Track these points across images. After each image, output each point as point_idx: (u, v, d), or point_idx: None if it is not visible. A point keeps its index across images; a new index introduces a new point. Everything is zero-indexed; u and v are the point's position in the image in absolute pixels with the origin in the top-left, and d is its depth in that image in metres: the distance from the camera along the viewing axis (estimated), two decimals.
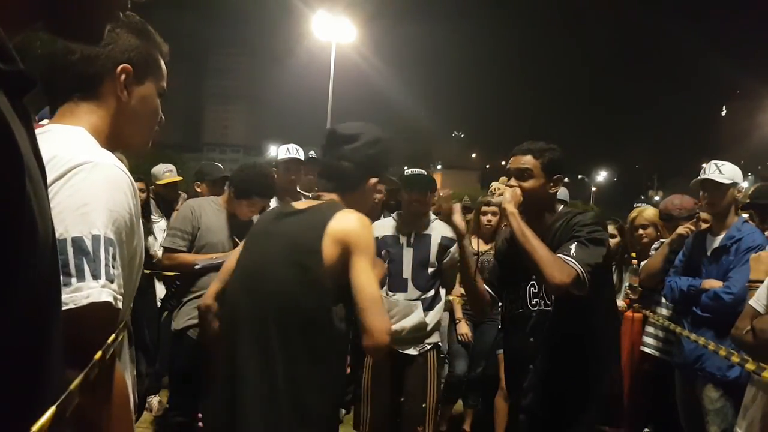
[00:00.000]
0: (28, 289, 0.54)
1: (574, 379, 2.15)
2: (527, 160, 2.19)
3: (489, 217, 4.00)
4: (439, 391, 3.12)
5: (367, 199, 1.87)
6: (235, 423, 1.64)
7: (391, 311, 3.01)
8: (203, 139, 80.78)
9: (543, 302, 2.22)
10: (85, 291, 0.91)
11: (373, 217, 4.45)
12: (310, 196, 3.56)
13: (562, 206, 2.32)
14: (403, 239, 3.10)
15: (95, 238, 0.95)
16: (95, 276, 0.93)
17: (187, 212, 3.14)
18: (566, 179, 2.77)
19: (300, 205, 1.83)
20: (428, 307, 3.04)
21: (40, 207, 0.57)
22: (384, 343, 1.60)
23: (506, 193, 2.14)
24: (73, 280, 0.91)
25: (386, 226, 3.20)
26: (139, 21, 1.20)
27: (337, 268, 1.63)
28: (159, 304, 4.17)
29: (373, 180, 1.81)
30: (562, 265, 1.95)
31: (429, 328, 3.02)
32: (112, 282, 0.95)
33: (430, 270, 3.04)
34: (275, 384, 1.62)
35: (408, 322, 2.99)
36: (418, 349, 3.01)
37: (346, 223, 1.65)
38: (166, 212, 4.61)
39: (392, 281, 3.04)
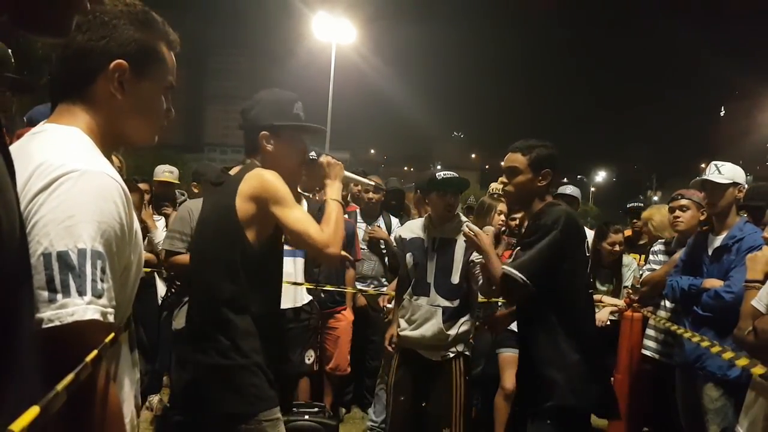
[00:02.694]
0: None
1: (529, 362, 2.39)
2: (516, 158, 2.42)
3: (503, 217, 4.00)
4: (468, 397, 3.01)
5: (276, 153, 1.95)
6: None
7: (414, 315, 2.99)
8: (204, 139, 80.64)
9: None
10: (71, 308, 0.88)
11: (372, 216, 4.47)
12: (310, 196, 3.57)
13: (550, 200, 2.44)
14: (428, 243, 3.04)
15: (81, 252, 0.91)
16: (81, 293, 0.89)
17: (185, 214, 3.13)
18: (563, 178, 2.84)
19: (232, 171, 2.01)
20: (450, 317, 2.93)
21: (6, 202, 0.56)
22: (330, 253, 1.83)
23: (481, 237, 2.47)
24: (59, 296, 0.88)
25: (416, 227, 3.14)
26: (140, 10, 1.11)
27: (255, 223, 1.81)
28: (160, 302, 4.18)
29: (263, 133, 1.94)
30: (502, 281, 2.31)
31: (450, 339, 2.94)
32: (100, 297, 0.92)
33: (454, 278, 2.95)
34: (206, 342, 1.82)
35: (427, 330, 2.94)
36: (441, 356, 2.96)
37: (252, 181, 1.82)
38: (158, 210, 4.61)
39: (416, 285, 3.01)
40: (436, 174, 3.10)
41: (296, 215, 1.82)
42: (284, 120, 1.96)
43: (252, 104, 2.00)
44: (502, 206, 4.00)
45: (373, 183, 2.60)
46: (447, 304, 2.94)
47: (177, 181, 4.86)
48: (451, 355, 2.96)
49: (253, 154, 1.98)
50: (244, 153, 2.03)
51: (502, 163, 2.50)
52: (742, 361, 2.11)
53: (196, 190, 4.44)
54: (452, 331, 2.93)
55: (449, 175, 3.06)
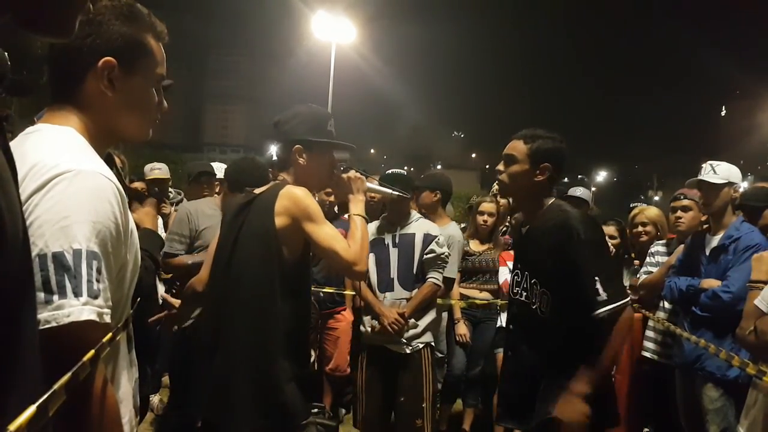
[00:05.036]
0: None
1: (546, 372, 2.11)
2: (516, 146, 2.20)
3: (485, 217, 4.02)
4: (435, 387, 3.12)
5: (306, 167, 1.99)
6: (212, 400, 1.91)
7: None
8: (203, 139, 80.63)
9: (524, 293, 2.22)
10: (67, 309, 0.88)
11: (374, 217, 4.47)
12: None
13: (554, 200, 2.23)
14: (388, 240, 3.12)
15: (76, 253, 0.91)
16: (76, 293, 0.89)
17: (183, 216, 3.13)
18: (563, 177, 2.65)
19: (258, 190, 2.01)
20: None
21: (9, 204, 0.56)
22: (357, 270, 1.90)
23: None
24: (55, 297, 0.88)
25: (374, 229, 3.20)
26: (125, 4, 1.10)
27: (289, 239, 1.85)
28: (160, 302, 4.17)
29: (297, 147, 1.98)
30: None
31: (420, 328, 3.02)
32: (96, 298, 0.92)
33: (415, 269, 3.06)
34: (233, 360, 1.83)
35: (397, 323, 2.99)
36: (410, 348, 3.01)
37: (284, 199, 1.86)
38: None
39: (380, 282, 3.07)
40: (386, 172, 3.25)
41: (326, 232, 1.87)
42: (319, 136, 2.00)
43: (288, 117, 2.02)
44: (485, 206, 4.03)
45: (396, 193, 2.53)
46: (410, 295, 3.03)
47: (168, 176, 4.84)
48: (421, 345, 3.02)
49: (284, 168, 2.01)
50: (276, 167, 2.08)
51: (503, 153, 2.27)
52: (751, 369, 2.10)
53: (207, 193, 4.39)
54: (422, 321, 3.02)
55: (395, 172, 3.23)
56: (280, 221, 1.84)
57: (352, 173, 2.13)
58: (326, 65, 19.66)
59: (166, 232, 4.07)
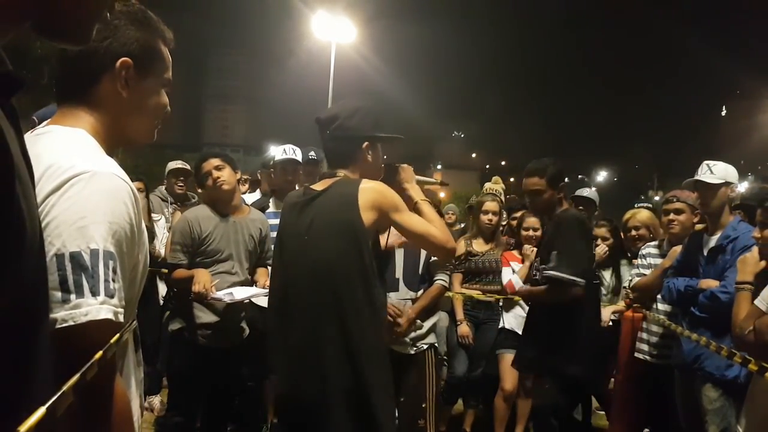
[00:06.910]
0: (14, 290, 0.53)
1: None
2: (535, 182, 2.80)
3: (489, 216, 4.02)
4: (438, 389, 3.11)
5: (372, 163, 2.05)
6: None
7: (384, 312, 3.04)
8: (203, 139, 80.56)
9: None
10: (84, 308, 0.90)
11: None
12: None
13: (565, 206, 2.87)
14: None
15: (93, 253, 0.92)
16: (94, 293, 0.91)
17: (184, 225, 3.09)
18: (567, 180, 3.07)
19: (318, 186, 2.02)
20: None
21: (29, 208, 0.56)
22: (452, 248, 2.02)
23: None
24: (73, 296, 0.90)
25: None
26: (139, 9, 1.14)
27: (369, 233, 1.91)
28: (161, 302, 4.17)
29: (365, 144, 2.02)
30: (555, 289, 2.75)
31: (425, 329, 3.01)
32: (112, 297, 0.93)
33: (421, 269, 3.05)
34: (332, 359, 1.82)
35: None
36: (414, 349, 3.01)
37: (369, 193, 1.89)
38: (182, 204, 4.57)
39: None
40: None
41: (417, 219, 1.95)
42: (382, 130, 2.06)
43: (350, 112, 2.03)
44: (488, 205, 4.03)
45: (438, 182, 2.72)
46: (415, 296, 3.02)
47: (190, 168, 4.84)
48: (425, 347, 3.01)
49: (344, 164, 2.02)
50: (334, 165, 2.07)
51: (523, 188, 2.89)
52: (753, 366, 2.09)
53: (200, 190, 4.39)
54: (427, 323, 3.01)
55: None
56: (367, 215, 1.86)
57: (401, 164, 2.21)
58: (326, 65, 19.67)
59: (170, 222, 4.05)
